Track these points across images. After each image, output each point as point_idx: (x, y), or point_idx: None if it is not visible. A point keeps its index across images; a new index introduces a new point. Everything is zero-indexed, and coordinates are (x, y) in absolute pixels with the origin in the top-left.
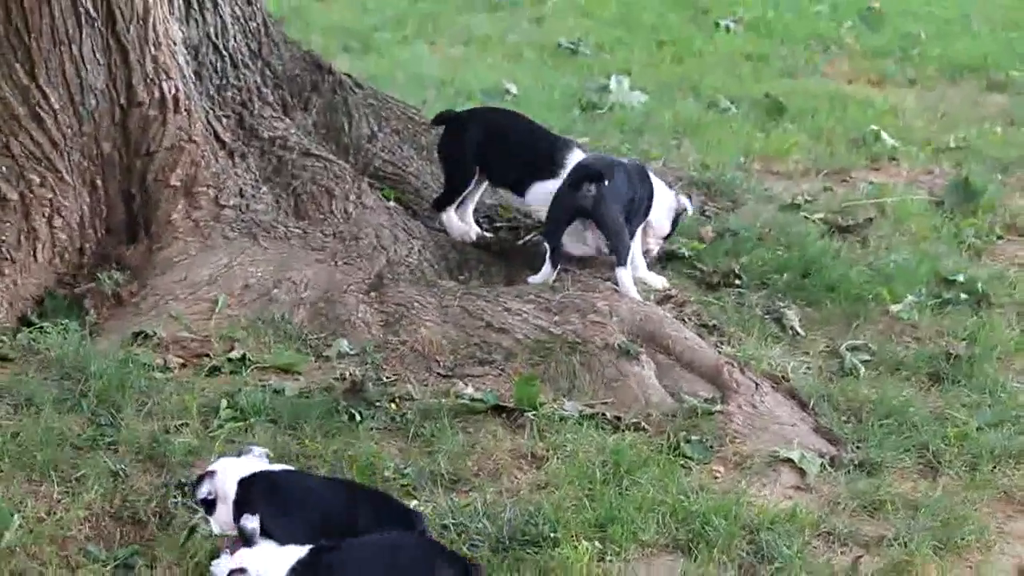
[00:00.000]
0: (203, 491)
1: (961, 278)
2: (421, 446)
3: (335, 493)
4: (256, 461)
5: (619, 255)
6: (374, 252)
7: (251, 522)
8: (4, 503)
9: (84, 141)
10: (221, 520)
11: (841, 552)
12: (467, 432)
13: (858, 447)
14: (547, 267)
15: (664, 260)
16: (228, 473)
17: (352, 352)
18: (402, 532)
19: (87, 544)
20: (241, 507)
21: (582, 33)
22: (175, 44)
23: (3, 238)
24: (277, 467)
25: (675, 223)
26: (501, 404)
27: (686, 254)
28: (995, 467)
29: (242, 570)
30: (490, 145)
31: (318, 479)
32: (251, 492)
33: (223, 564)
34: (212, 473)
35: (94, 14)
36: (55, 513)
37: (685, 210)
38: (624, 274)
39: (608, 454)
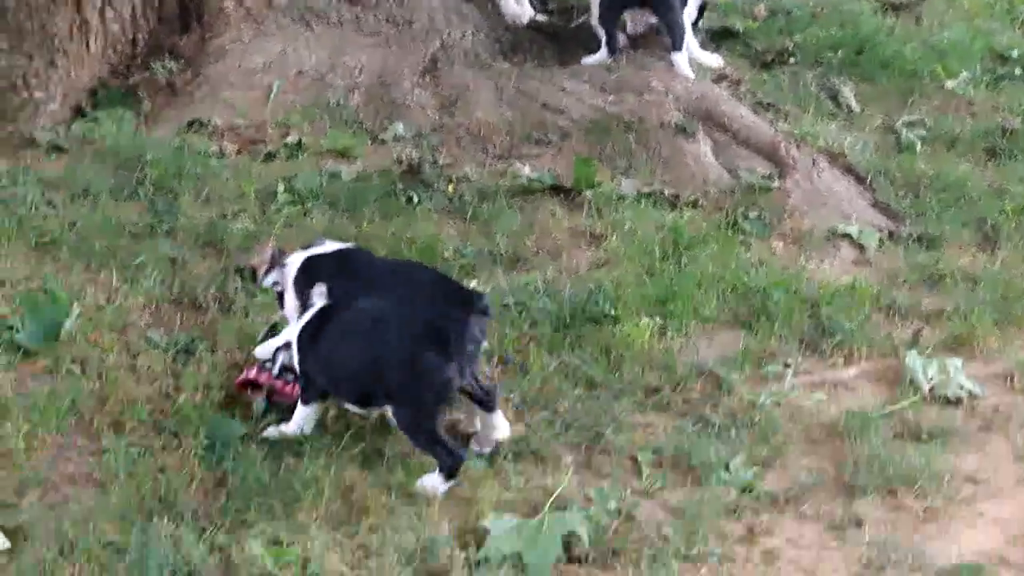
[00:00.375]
0: (269, 280)
1: (1015, 54)
2: (479, 226)
3: (398, 271)
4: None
5: (675, 39)
6: (428, 35)
7: (318, 290)
8: (64, 292)
9: None
10: (290, 311)
11: (901, 325)
12: (525, 212)
13: (916, 222)
14: (603, 51)
15: (718, 39)
16: (295, 262)
17: (408, 135)
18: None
19: (147, 331)
20: (305, 280)
21: None
22: None
23: (55, 30)
24: (344, 245)
25: (701, 11)
26: (558, 184)
27: (740, 31)
28: None
29: (287, 344)
30: None
31: (383, 258)
32: (313, 265)
33: (268, 346)
34: (283, 265)
35: None
36: (114, 301)
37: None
38: (680, 57)
39: (666, 231)
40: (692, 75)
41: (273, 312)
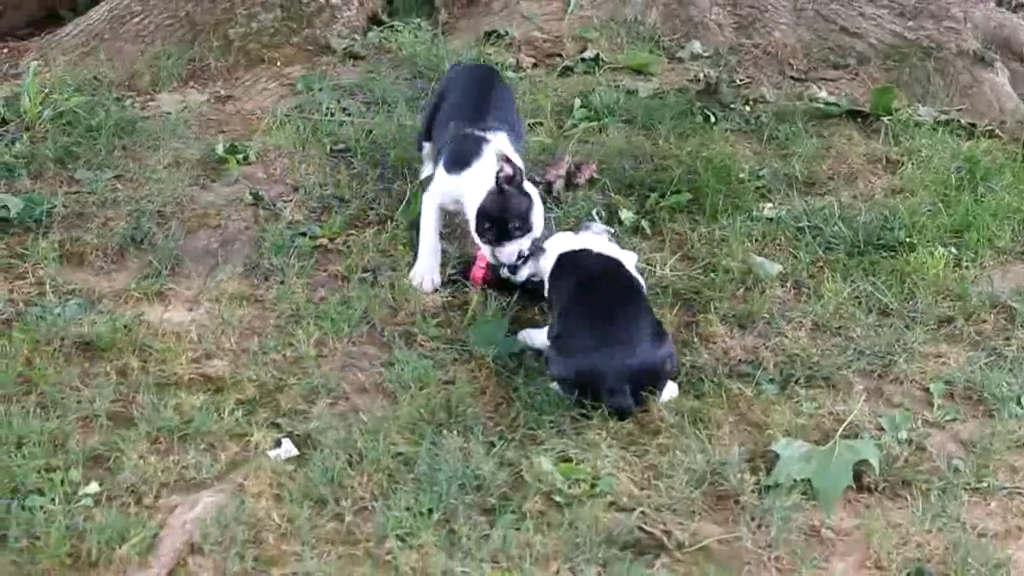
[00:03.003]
0: (523, 275)
1: None
2: (775, 148)
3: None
4: (591, 238)
5: None
6: None
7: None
8: (355, 198)
9: None
10: None
11: None
12: (821, 136)
13: None
14: None
15: None
16: (553, 250)
17: (705, 54)
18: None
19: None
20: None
21: None
22: None
23: None
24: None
25: None
26: (856, 108)
27: None
28: None
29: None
30: None
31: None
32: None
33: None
34: (541, 251)
35: None
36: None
37: None
38: None
39: (962, 160)
40: None
41: None
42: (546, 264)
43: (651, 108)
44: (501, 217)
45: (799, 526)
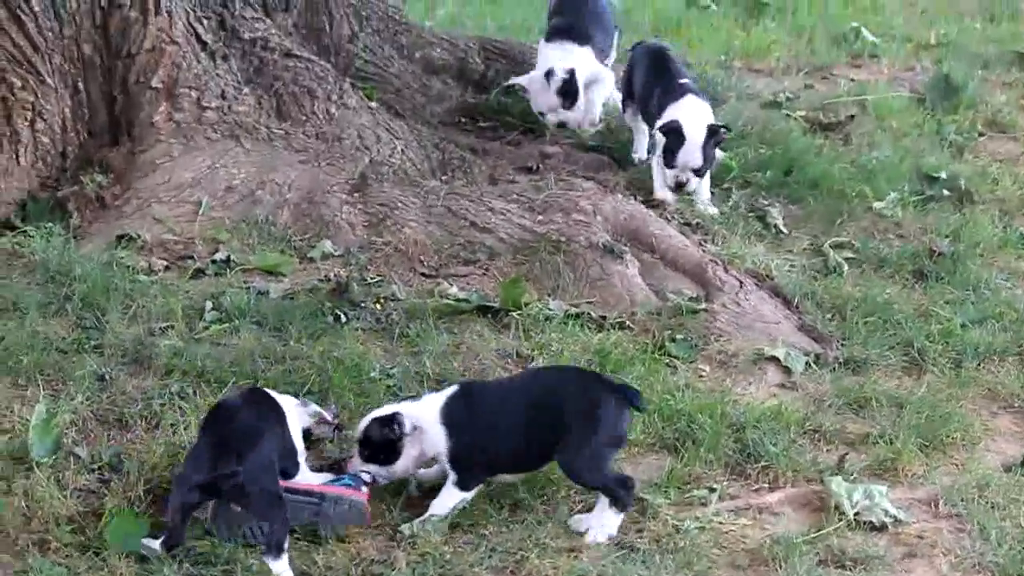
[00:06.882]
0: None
1: (943, 175)
2: (407, 346)
3: None
4: None
5: None
6: (357, 152)
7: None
8: None
9: (65, 44)
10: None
11: (827, 450)
12: (452, 332)
13: (843, 345)
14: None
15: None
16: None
17: (336, 253)
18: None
19: (74, 448)
20: None
21: None
22: None
23: None
24: None
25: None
26: (486, 304)
27: None
28: (979, 364)
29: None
30: None
31: None
32: None
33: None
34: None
35: None
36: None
37: None
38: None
39: (593, 353)
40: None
41: None
42: None
43: (282, 309)
44: None
45: None
